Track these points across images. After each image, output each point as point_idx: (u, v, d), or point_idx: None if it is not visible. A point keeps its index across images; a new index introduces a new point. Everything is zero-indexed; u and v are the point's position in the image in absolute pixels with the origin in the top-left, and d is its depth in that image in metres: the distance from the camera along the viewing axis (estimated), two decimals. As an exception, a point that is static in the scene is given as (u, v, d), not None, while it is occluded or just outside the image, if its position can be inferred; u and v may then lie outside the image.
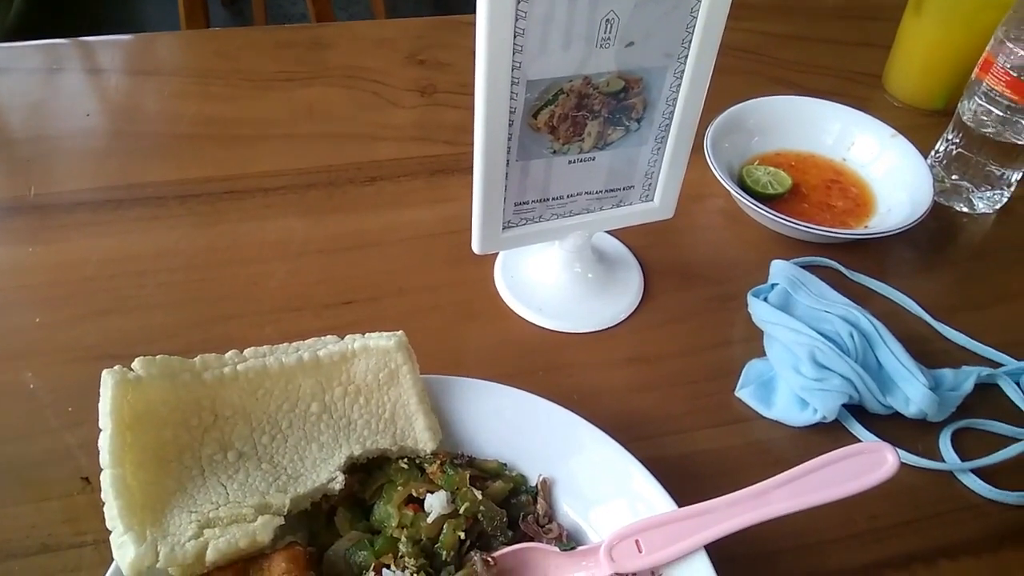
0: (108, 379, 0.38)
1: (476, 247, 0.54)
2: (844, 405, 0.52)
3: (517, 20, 0.43)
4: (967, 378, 0.54)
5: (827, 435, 0.52)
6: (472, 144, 0.67)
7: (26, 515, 0.44)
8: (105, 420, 0.38)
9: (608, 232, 0.63)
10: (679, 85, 0.50)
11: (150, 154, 0.66)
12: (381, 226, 0.64)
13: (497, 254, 0.62)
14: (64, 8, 2.30)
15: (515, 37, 0.44)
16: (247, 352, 0.43)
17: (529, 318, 0.58)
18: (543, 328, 0.57)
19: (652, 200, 0.56)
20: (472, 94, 0.78)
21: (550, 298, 0.59)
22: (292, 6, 2.41)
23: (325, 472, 0.42)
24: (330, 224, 0.63)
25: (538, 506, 0.44)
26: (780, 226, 0.63)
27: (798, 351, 0.53)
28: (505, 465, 0.46)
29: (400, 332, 0.46)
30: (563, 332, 0.57)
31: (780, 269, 0.59)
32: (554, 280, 0.59)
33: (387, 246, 0.63)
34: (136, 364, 0.39)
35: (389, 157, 0.70)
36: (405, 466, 0.44)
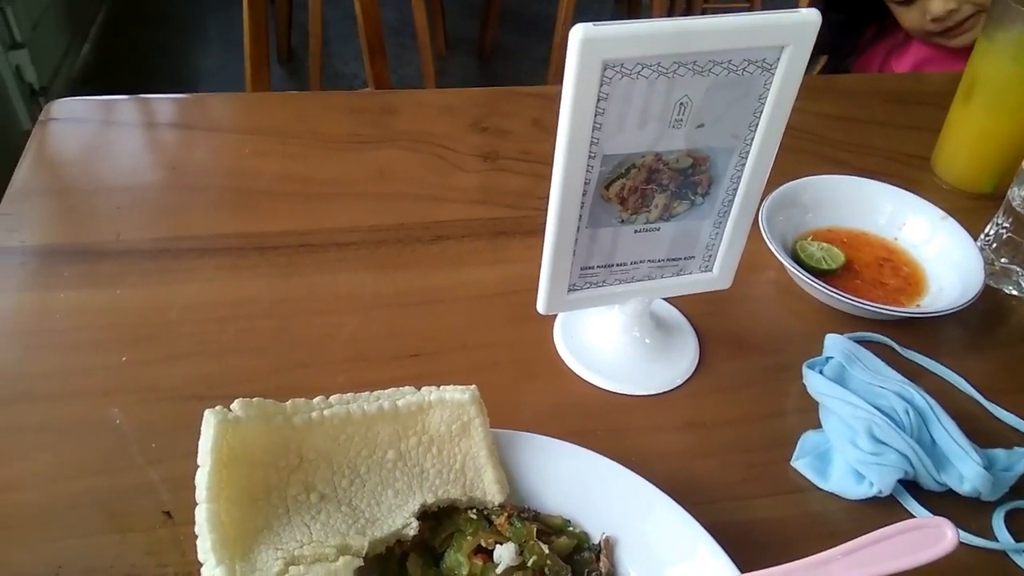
0: (211, 418, 0.41)
1: (541, 307, 0.56)
2: (899, 480, 0.53)
3: (599, 101, 0.47)
4: (1020, 459, 0.55)
5: (882, 509, 0.53)
6: (533, 209, 0.71)
7: (111, 545, 0.47)
8: (205, 457, 0.40)
9: (665, 299, 0.65)
10: (744, 164, 0.53)
11: (231, 207, 0.70)
12: (446, 284, 0.67)
13: (557, 315, 0.64)
14: (126, 59, 2.42)
15: (596, 116, 0.47)
16: (332, 399, 0.46)
17: (588, 378, 0.60)
18: (601, 389, 0.59)
19: (711, 271, 0.59)
20: (532, 161, 0.82)
21: (609, 360, 0.61)
22: (344, 65, 2.51)
23: (400, 517, 0.44)
24: (398, 280, 0.66)
25: (601, 564, 0.46)
26: (834, 301, 0.64)
27: (855, 425, 0.54)
28: (569, 521, 0.47)
29: (473, 387, 0.48)
30: (621, 394, 0.59)
31: (835, 343, 0.61)
32: (613, 343, 0.61)
33: (451, 303, 0.65)
34: (235, 405, 0.42)
35: (454, 218, 0.73)
36: (474, 516, 0.46)
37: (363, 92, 0.82)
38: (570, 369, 0.60)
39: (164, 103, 0.83)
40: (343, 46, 2.54)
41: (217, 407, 0.41)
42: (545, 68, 2.48)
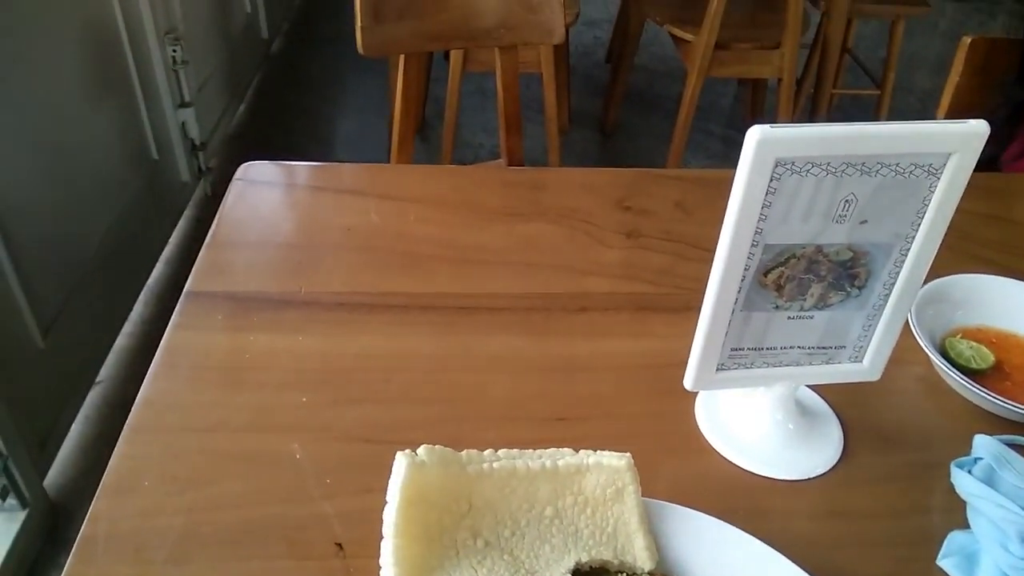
0: (402, 460, 0.45)
1: (689, 384, 0.59)
2: (1055, 591, 0.52)
3: (767, 194, 0.50)
4: None
5: (1037, 620, 0.51)
6: (675, 287, 0.74)
7: (289, 570, 0.51)
8: (394, 495, 0.45)
9: (810, 386, 0.66)
10: (903, 262, 0.55)
11: (398, 268, 0.77)
12: (590, 352, 0.70)
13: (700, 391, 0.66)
14: (275, 119, 2.62)
15: (763, 208, 0.50)
16: (501, 452, 0.50)
17: (730, 457, 0.61)
18: (743, 469, 0.61)
19: (861, 362, 0.60)
20: (674, 241, 0.85)
21: (751, 441, 0.62)
22: (472, 136, 2.64)
23: (556, 573, 0.47)
24: (545, 345, 0.70)
25: (747, 640, 0.47)
26: (983, 401, 0.64)
27: (1007, 528, 0.54)
28: (715, 594, 0.49)
29: (628, 454, 0.51)
30: (763, 476, 0.60)
31: (984, 444, 0.60)
32: (756, 424, 0.63)
33: (595, 371, 0.69)
34: (421, 451, 0.46)
35: (598, 291, 0.77)
36: (624, 579, 0.48)
37: (514, 169, 0.89)
38: (711, 446, 0.62)
39: (342, 170, 0.92)
40: (471, 117, 2.68)
41: (407, 451, 0.46)
42: (665, 145, 2.53)
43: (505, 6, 1.38)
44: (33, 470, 1.32)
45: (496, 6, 1.37)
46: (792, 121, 2.24)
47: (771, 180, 0.49)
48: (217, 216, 0.81)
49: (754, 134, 0.47)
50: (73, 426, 1.48)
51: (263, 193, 0.86)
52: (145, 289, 1.81)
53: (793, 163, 0.49)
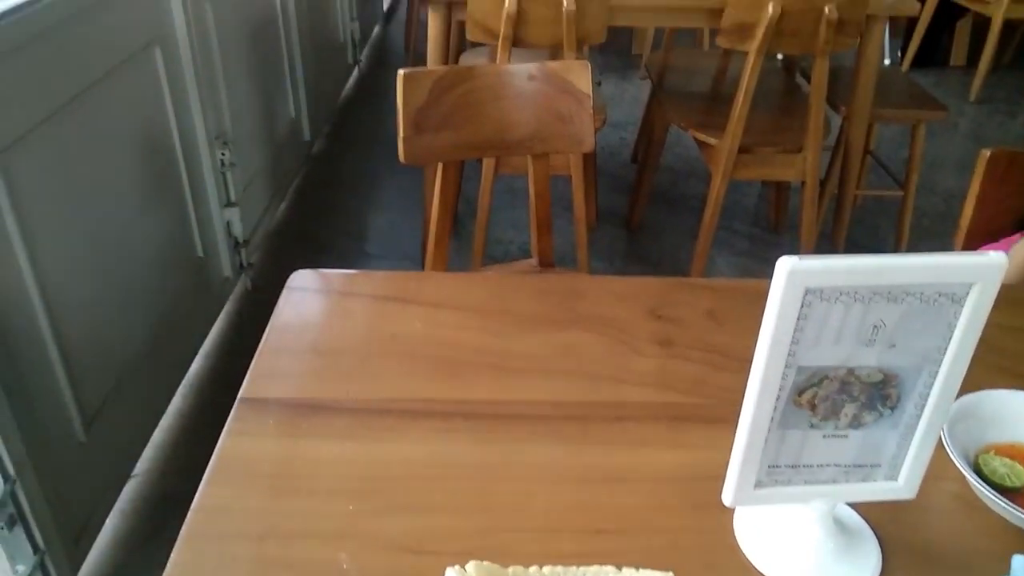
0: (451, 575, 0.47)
1: (728, 500, 0.60)
2: None
3: (799, 319, 0.53)
4: None
5: None
6: (709, 397, 0.76)
7: None
8: (445, 610, 0.46)
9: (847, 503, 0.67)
10: (932, 383, 0.57)
11: (441, 374, 0.80)
12: (627, 463, 0.72)
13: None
14: (313, 216, 2.72)
15: (795, 332, 0.53)
16: (545, 569, 0.51)
17: (768, 574, 0.62)
18: (782, 585, 0.61)
19: (896, 480, 0.61)
20: (706, 351, 0.88)
21: (790, 557, 0.63)
22: (501, 232, 2.71)
23: None
24: (583, 455, 0.72)
25: None
26: (1020, 520, 0.64)
27: (1052, 655, 0.53)
28: None
29: (670, 573, 0.52)
30: (802, 593, 0.61)
31: (1023, 565, 0.60)
32: (795, 541, 0.63)
33: (632, 483, 0.70)
34: (470, 567, 0.48)
35: (634, 400, 0.79)
36: None
37: (550, 276, 0.93)
38: (750, 562, 0.63)
39: (387, 277, 0.96)
40: (500, 214, 2.76)
41: (456, 566, 0.48)
42: (690, 242, 2.58)
43: (538, 119, 1.46)
44: (68, 565, 1.33)
45: (529, 119, 1.45)
46: (817, 222, 2.28)
47: (802, 306, 0.52)
48: (269, 324, 0.85)
49: (785, 265, 0.50)
50: (108, 520, 1.50)
51: (312, 300, 0.91)
52: (183, 383, 1.86)
53: (822, 291, 0.52)
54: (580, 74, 1.41)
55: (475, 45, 2.28)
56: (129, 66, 1.59)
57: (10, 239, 1.22)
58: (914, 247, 2.55)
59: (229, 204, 2.16)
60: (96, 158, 1.48)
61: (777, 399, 0.56)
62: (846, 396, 0.57)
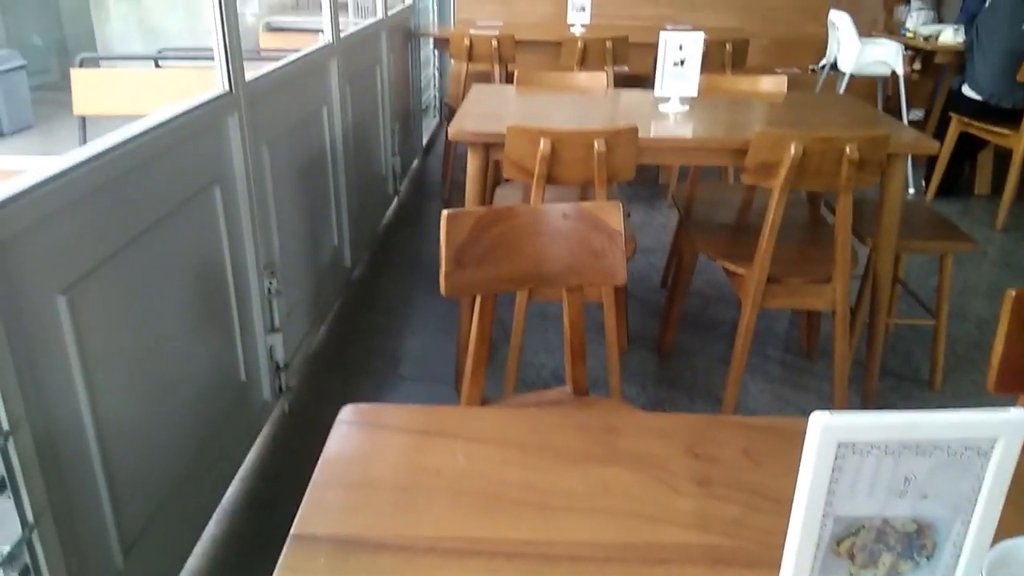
0: None
1: (771, 648, 0.61)
2: None
3: (834, 471, 0.55)
4: None
5: None
6: (748, 539, 0.78)
7: None
8: None
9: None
10: (966, 532, 0.58)
11: (485, 512, 0.82)
12: (669, 607, 0.73)
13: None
14: (351, 339, 2.80)
15: (830, 483, 0.56)
16: None
17: None
18: None
19: (939, 630, 0.61)
20: (745, 491, 0.89)
21: None
22: (533, 355, 2.76)
23: None
24: (626, 598, 0.73)
25: None
26: (1071, 675, 0.64)
27: None
28: None
29: None
30: None
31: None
32: None
33: (674, 627, 0.71)
34: None
35: (674, 541, 0.80)
36: None
37: (588, 411, 0.97)
38: None
39: (430, 413, 1.00)
40: (532, 338, 2.82)
41: None
42: (721, 366, 2.60)
43: (572, 254, 1.54)
44: None
45: (564, 254, 1.53)
46: (851, 351, 2.30)
47: (836, 460, 0.55)
48: (321, 459, 0.89)
49: (818, 421, 0.54)
50: (139, 650, 1.49)
51: (360, 434, 0.95)
52: (219, 508, 1.88)
53: (855, 446, 0.55)
54: (612, 213, 1.49)
55: (509, 179, 2.41)
56: (191, 204, 1.71)
57: (71, 370, 1.29)
58: (950, 374, 2.54)
59: (273, 330, 2.25)
60: (154, 289, 1.57)
61: (817, 548, 0.58)
62: (883, 545, 0.59)
